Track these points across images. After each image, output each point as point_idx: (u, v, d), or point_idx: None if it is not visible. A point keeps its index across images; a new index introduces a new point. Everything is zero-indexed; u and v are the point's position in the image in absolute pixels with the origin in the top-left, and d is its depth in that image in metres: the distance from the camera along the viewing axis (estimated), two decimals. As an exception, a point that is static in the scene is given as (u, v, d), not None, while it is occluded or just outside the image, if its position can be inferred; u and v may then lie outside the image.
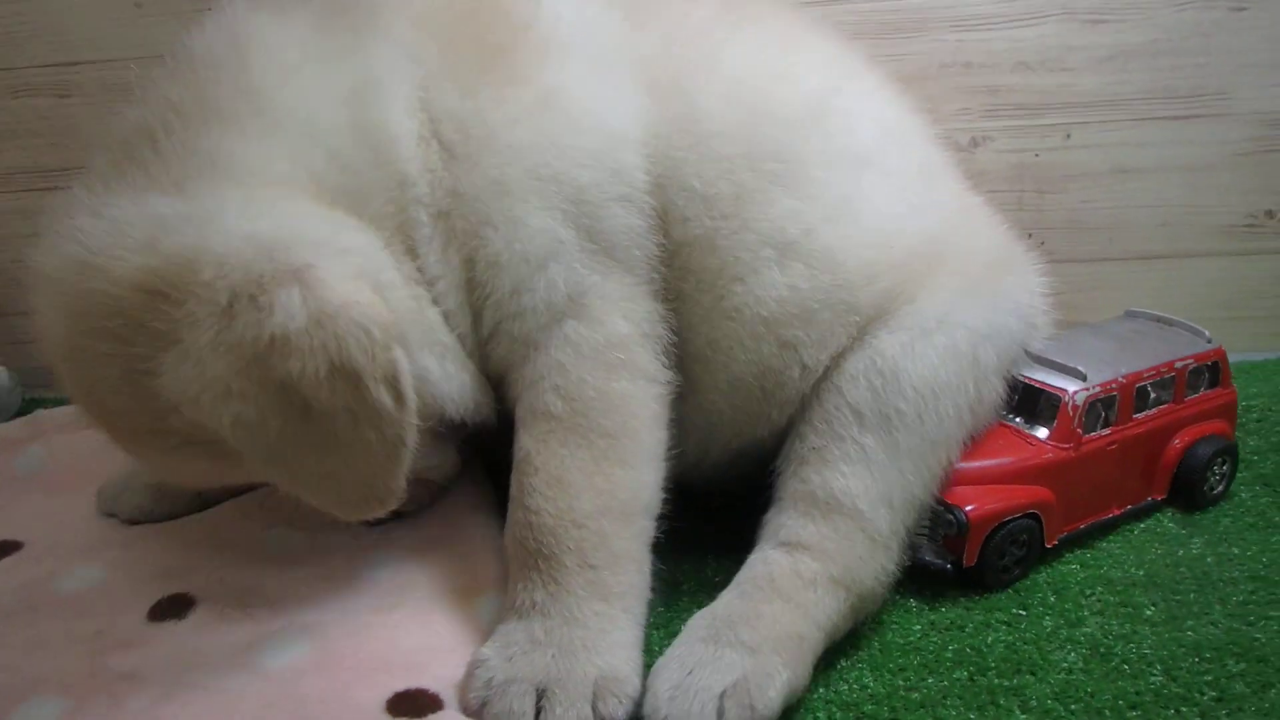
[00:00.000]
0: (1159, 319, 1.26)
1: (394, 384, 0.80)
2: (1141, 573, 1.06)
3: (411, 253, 0.95)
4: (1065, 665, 0.93)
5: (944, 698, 0.90)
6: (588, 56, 0.99)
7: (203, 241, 0.80)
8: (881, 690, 0.92)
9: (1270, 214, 1.54)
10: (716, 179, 1.00)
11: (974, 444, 1.08)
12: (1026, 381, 1.13)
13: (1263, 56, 1.45)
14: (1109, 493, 1.14)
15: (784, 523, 1.01)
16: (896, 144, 1.12)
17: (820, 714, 0.90)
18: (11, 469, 1.30)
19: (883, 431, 1.01)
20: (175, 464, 0.94)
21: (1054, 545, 1.09)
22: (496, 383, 1.01)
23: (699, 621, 0.94)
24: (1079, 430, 1.09)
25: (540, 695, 0.85)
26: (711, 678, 0.87)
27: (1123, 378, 1.12)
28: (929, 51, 1.47)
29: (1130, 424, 1.13)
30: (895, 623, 1.02)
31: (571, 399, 0.95)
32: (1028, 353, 1.14)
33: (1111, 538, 1.14)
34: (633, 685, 0.87)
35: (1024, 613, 1.02)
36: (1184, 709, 0.87)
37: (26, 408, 1.61)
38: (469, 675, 0.88)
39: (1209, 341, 1.20)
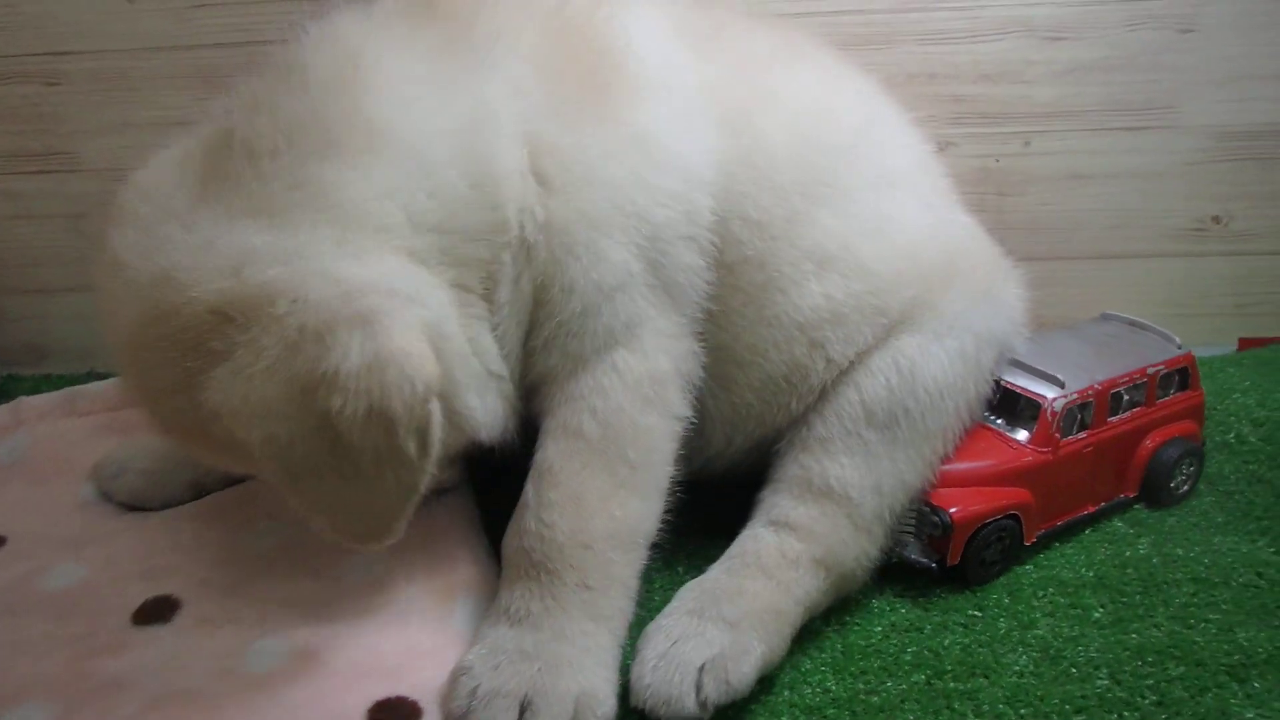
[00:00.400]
0: (1132, 323, 1.29)
1: (423, 435, 0.81)
2: (1091, 574, 1.09)
3: (486, 285, 0.93)
4: (1017, 668, 0.96)
5: (902, 701, 0.92)
6: (671, 97, 1.00)
7: (286, 277, 0.81)
8: (843, 694, 0.94)
9: (1217, 219, 1.57)
10: (772, 206, 1.03)
11: (959, 447, 1.11)
12: (1008, 386, 1.15)
13: (1208, 74, 1.49)
14: (1084, 492, 1.17)
15: (777, 503, 1.05)
16: (919, 168, 1.18)
17: (784, 718, 0.92)
18: (-7, 458, 1.28)
19: (887, 428, 1.06)
20: (210, 459, 0.96)
21: (1033, 542, 1.12)
22: (529, 392, 1.01)
23: (688, 593, 0.98)
24: (1057, 435, 1.12)
25: (523, 709, 0.86)
26: (693, 651, 0.91)
27: (1099, 384, 1.15)
28: (897, 63, 1.49)
29: (1105, 427, 1.16)
30: (858, 624, 1.03)
31: (606, 424, 0.96)
32: (1010, 358, 1.18)
33: (1063, 537, 1.16)
34: (609, 705, 0.89)
35: (980, 614, 1.04)
36: (1126, 713, 0.90)
37: (3, 385, 1.59)
38: (453, 683, 0.88)
39: (1179, 347, 1.23)
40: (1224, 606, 1.02)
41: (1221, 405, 1.37)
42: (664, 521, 0.99)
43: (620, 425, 0.96)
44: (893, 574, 1.09)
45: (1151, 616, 1.02)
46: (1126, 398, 1.18)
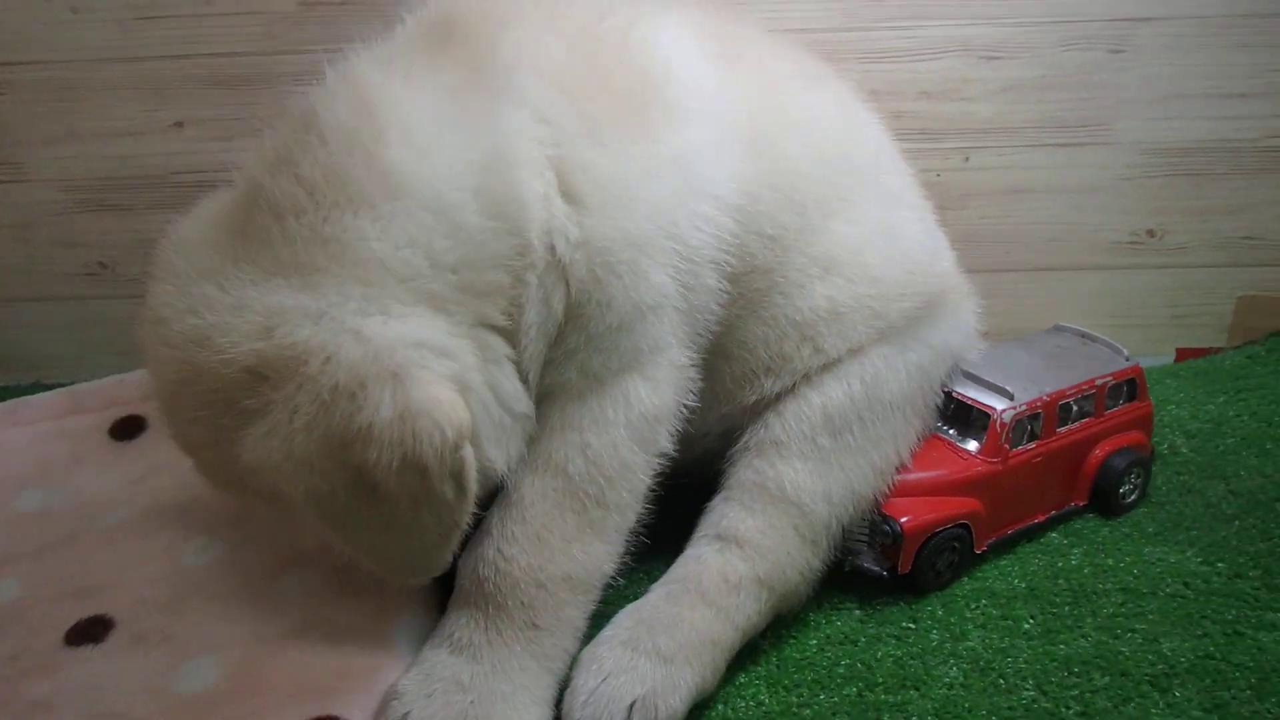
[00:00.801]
0: (1083, 335, 1.29)
1: (459, 478, 0.82)
2: (1024, 585, 1.08)
3: (509, 314, 0.90)
4: (947, 680, 0.95)
5: (833, 714, 0.91)
6: (706, 120, 0.98)
7: (317, 337, 0.81)
8: (776, 707, 0.93)
9: (1151, 232, 1.58)
10: (789, 221, 1.02)
11: (911, 456, 1.11)
12: (959, 398, 1.15)
13: (1140, 93, 1.51)
14: (1034, 500, 1.17)
15: (726, 512, 1.03)
16: (912, 188, 1.19)
17: (718, 732, 0.91)
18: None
19: (840, 435, 1.04)
20: (250, 505, 1.00)
21: (983, 551, 1.11)
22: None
23: (624, 620, 0.96)
24: (1006, 446, 1.11)
25: None
26: (624, 688, 0.89)
27: (1047, 396, 1.15)
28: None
29: (1054, 437, 1.16)
30: (794, 637, 1.02)
31: (594, 463, 0.94)
32: (962, 370, 1.18)
33: (999, 547, 1.15)
34: None
35: (913, 626, 1.03)
36: (1052, 724, 0.89)
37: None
38: (385, 706, 0.86)
39: (1127, 359, 1.23)
40: (1150, 616, 1.02)
41: (1156, 417, 1.36)
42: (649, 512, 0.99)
43: (608, 466, 0.94)
44: (832, 585, 1.07)
45: (1080, 627, 1.01)
46: (1075, 408, 1.18)
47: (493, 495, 0.94)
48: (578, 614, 0.94)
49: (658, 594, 0.98)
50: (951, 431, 1.15)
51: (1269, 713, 0.90)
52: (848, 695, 0.93)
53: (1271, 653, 0.96)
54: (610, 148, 0.91)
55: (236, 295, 0.83)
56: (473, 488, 0.83)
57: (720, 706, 0.93)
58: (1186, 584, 1.06)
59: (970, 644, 1.00)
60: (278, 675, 0.89)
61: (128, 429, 1.27)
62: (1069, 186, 1.55)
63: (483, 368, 0.88)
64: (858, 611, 1.06)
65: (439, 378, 0.82)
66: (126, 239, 1.57)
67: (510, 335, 0.90)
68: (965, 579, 1.10)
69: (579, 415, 0.94)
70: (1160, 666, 0.95)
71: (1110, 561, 1.11)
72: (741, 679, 0.97)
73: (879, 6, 1.47)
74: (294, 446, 0.79)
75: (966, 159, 1.54)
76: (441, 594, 1.01)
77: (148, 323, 0.87)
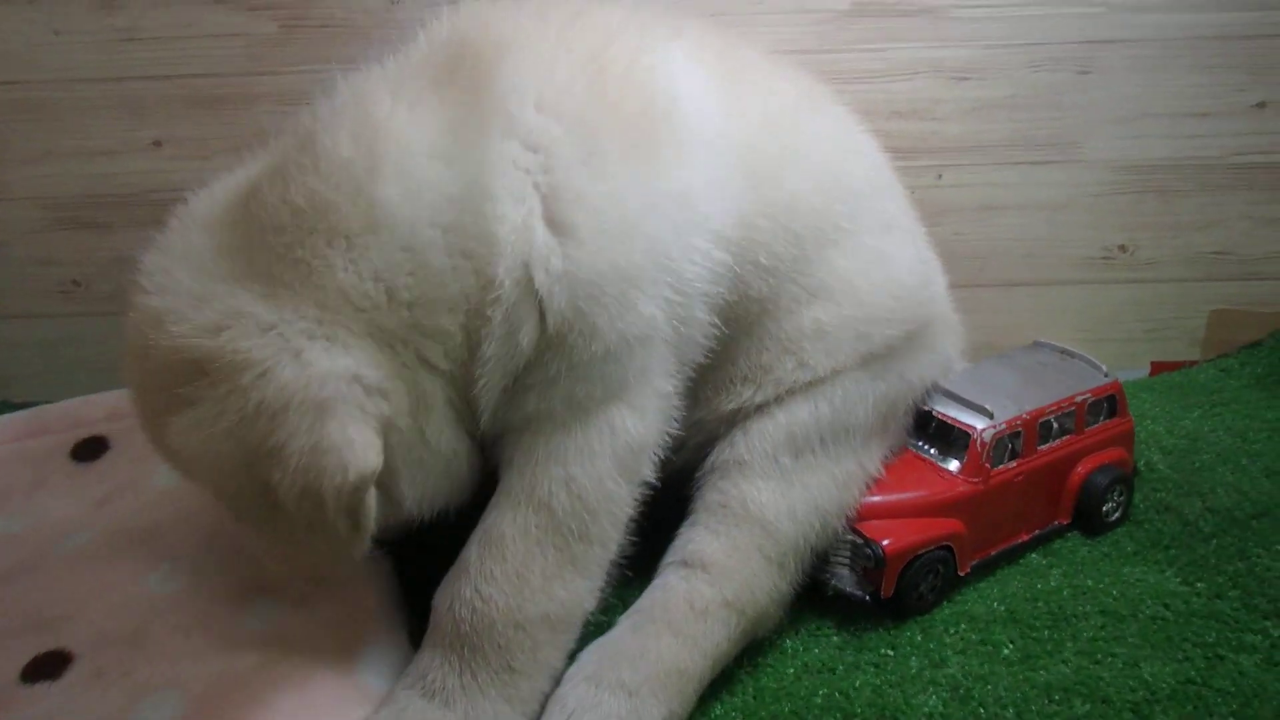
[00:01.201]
0: (1063, 351, 1.25)
1: (354, 517, 0.80)
2: (1002, 608, 1.03)
3: (451, 357, 0.85)
4: (927, 709, 0.90)
5: (811, 748, 0.86)
6: (710, 153, 0.93)
7: (259, 350, 0.79)
8: (752, 740, 0.87)
9: (1123, 248, 1.55)
10: (784, 251, 0.98)
11: (891, 478, 1.07)
12: (940, 417, 1.11)
13: (1106, 113, 1.49)
14: (1017, 520, 1.12)
15: (692, 536, 0.98)
16: (909, 210, 1.16)
17: (692, 767, 0.85)
18: None
19: (803, 454, 1.00)
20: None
21: (967, 573, 1.06)
22: (497, 437, 0.92)
23: (589, 655, 0.90)
24: (988, 465, 1.07)
25: None
26: None
27: (1027, 414, 1.10)
28: (814, 101, 1.44)
29: (1035, 455, 1.12)
30: (770, 665, 0.97)
31: (579, 497, 0.88)
32: (942, 388, 1.14)
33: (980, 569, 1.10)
34: None
35: (892, 653, 0.98)
36: (1034, 755, 0.84)
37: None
38: None
39: (1106, 376, 1.19)
40: (1130, 640, 0.97)
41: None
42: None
43: (592, 499, 0.88)
44: (808, 611, 1.02)
45: (1060, 652, 0.96)
46: (1056, 426, 1.14)
47: (408, 523, 0.91)
48: (555, 654, 0.89)
49: (623, 626, 0.93)
50: (932, 451, 1.11)
51: (1252, 740, 0.85)
52: (826, 727, 0.88)
53: (1252, 677, 0.92)
54: (610, 178, 0.86)
55: (204, 288, 0.81)
56: (369, 526, 0.81)
57: (695, 739, 0.88)
58: (1166, 605, 1.02)
59: (950, 670, 0.94)
60: (240, 712, 0.83)
61: (89, 450, 1.21)
62: (1041, 203, 1.52)
63: (413, 410, 0.84)
64: (836, 637, 1.00)
65: (363, 417, 0.79)
66: (102, 257, 1.53)
67: (451, 378, 0.86)
68: (944, 602, 1.05)
69: (563, 447, 0.89)
70: (1141, 693, 0.90)
71: (1089, 582, 1.06)
72: (717, 710, 0.91)
73: (852, 29, 1.44)
74: (211, 445, 0.79)
75: (939, 177, 1.51)
76: (411, 620, 0.95)
77: (133, 283, 0.86)
